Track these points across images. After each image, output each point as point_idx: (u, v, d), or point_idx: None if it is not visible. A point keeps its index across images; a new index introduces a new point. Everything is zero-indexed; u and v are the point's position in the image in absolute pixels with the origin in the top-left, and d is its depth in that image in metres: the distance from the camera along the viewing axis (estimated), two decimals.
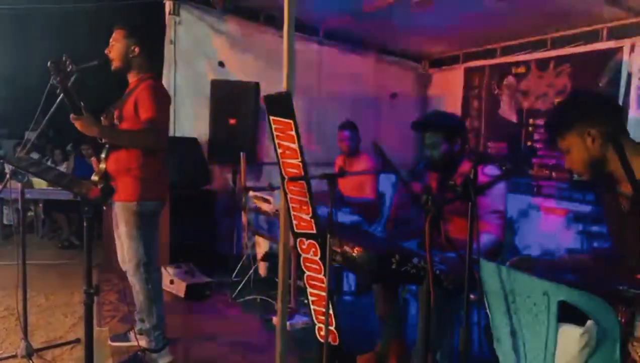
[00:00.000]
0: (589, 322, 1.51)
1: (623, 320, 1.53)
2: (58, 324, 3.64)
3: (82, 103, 2.68)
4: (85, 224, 2.10)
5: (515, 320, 1.69)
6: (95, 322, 2.55)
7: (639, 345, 1.50)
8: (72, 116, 2.67)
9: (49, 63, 2.50)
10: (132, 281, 3.03)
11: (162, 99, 2.97)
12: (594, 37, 5.05)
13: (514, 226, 3.43)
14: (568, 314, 1.53)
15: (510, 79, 5.87)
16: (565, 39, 5.30)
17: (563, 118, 1.90)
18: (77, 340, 3.29)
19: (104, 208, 2.35)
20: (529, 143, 5.54)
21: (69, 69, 2.61)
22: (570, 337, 1.53)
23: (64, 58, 2.60)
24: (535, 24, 5.17)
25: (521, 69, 5.72)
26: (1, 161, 6.60)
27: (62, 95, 2.58)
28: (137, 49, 2.99)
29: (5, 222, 6.98)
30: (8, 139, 9.46)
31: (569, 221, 4.83)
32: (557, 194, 5.30)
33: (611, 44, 4.90)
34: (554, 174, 5.34)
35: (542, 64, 5.49)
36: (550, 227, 5.28)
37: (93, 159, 2.97)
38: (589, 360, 1.53)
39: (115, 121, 2.94)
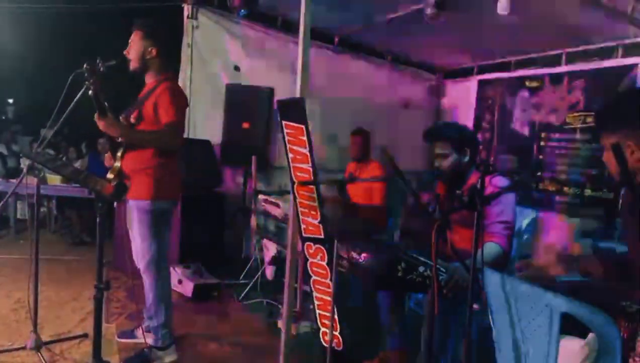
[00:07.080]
0: (591, 335, 1.52)
1: (625, 335, 1.54)
2: (67, 319, 3.69)
3: (106, 104, 2.73)
4: (98, 219, 2.16)
5: (517, 331, 1.71)
6: (103, 318, 2.59)
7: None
8: (96, 116, 2.72)
9: (84, 65, 2.54)
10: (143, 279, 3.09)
11: (181, 102, 3.03)
12: (608, 53, 5.03)
13: (522, 239, 3.43)
14: (570, 326, 1.55)
15: (523, 93, 5.87)
16: (580, 54, 5.29)
17: (614, 116, 1.80)
18: (85, 335, 3.34)
19: (115, 204, 2.40)
20: (540, 157, 5.53)
21: (101, 70, 2.66)
22: (571, 348, 1.55)
23: (97, 61, 2.64)
24: (550, 39, 5.17)
25: (535, 83, 5.72)
26: (20, 156, 6.71)
27: (80, 94, 2.60)
28: (154, 51, 3.03)
29: (19, 217, 7.08)
30: (23, 136, 9.60)
31: (578, 236, 4.81)
32: (567, 209, 5.27)
33: (626, 60, 4.88)
34: (564, 188, 5.32)
35: (556, 79, 5.48)
36: (558, 242, 5.26)
37: (106, 155, 3.02)
38: None
39: (133, 121, 2.99)
